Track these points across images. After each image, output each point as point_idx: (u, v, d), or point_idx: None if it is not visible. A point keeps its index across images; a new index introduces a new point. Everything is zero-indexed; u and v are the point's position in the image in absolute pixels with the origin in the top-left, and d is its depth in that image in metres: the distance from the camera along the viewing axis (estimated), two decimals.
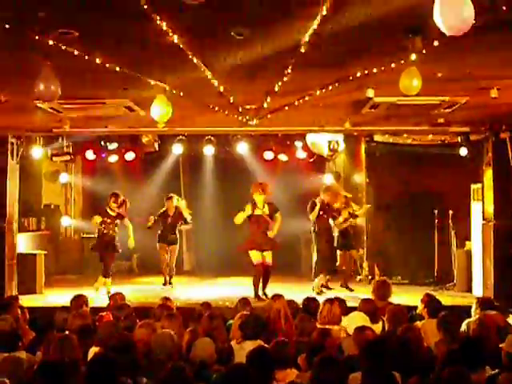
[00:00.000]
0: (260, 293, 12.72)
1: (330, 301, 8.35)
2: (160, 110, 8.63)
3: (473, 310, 8.62)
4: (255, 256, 12.84)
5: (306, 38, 6.43)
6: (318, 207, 13.35)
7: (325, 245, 13.51)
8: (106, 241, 13.64)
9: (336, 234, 13.89)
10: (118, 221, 13.74)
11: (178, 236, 14.94)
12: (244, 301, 9.01)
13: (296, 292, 11.91)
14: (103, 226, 13.63)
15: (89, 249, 17.14)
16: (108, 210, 13.65)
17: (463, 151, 13.49)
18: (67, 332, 7.37)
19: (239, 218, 12.88)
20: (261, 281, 12.87)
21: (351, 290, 13.55)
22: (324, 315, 8.03)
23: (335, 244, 13.85)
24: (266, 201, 12.96)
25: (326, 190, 13.78)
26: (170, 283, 14.79)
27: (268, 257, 12.91)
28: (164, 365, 5.55)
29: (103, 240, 13.67)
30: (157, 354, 6.42)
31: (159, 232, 14.77)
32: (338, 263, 13.95)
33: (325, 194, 13.57)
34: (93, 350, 6.83)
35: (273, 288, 12.69)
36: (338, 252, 14.00)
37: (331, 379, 5.18)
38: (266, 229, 12.95)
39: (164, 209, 14.80)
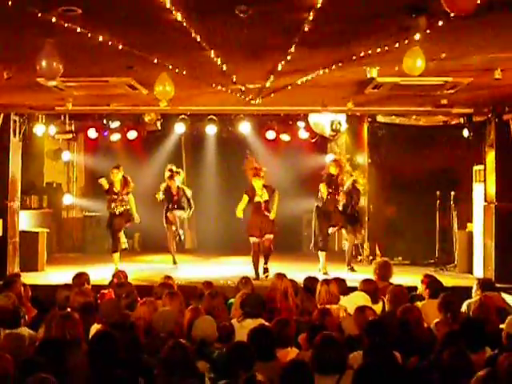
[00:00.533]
0: (260, 270, 12.82)
1: (326, 281, 8.38)
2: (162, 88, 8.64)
3: (473, 291, 8.65)
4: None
5: (310, 16, 6.40)
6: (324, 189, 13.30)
7: (316, 221, 13.50)
8: (120, 218, 13.59)
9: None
10: (125, 197, 13.64)
11: (184, 206, 14.76)
12: (245, 279, 9.03)
13: (297, 272, 11.94)
14: (113, 205, 13.54)
15: (91, 227, 17.31)
16: (114, 189, 13.52)
17: (466, 132, 13.48)
18: (69, 309, 7.42)
19: (239, 211, 12.99)
20: (261, 257, 12.99)
21: (354, 271, 13.53)
22: (323, 296, 8.05)
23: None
24: (263, 184, 13.00)
25: (334, 161, 13.71)
26: (180, 239, 14.76)
27: (268, 236, 12.93)
28: (165, 342, 5.57)
29: (117, 218, 13.59)
30: (158, 332, 6.47)
31: (165, 207, 14.66)
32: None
33: (332, 164, 13.47)
34: (94, 327, 6.88)
35: (274, 268, 12.75)
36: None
37: (332, 358, 5.20)
38: (267, 213, 12.96)
39: (164, 185, 14.67)
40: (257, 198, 12.92)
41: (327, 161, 16.61)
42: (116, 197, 13.52)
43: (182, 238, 14.88)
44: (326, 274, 12.67)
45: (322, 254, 13.25)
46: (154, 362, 5.56)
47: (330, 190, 13.31)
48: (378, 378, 4.65)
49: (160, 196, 14.43)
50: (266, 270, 12.89)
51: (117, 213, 13.54)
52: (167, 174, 14.48)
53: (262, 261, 13.01)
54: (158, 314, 6.78)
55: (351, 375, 4.81)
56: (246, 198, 12.97)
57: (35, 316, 8.01)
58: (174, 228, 14.56)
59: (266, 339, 5.80)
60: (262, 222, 12.86)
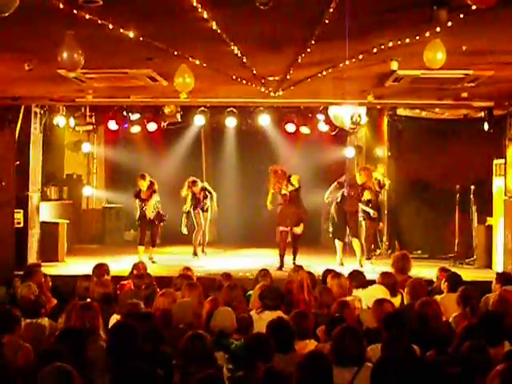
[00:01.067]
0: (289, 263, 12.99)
1: (337, 275, 8.40)
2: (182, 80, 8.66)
3: (493, 285, 8.61)
4: None
5: (331, 8, 6.38)
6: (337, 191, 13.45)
7: (334, 214, 13.58)
8: (149, 219, 14.09)
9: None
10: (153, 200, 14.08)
11: (208, 204, 14.97)
12: (264, 272, 9.05)
13: (315, 265, 11.96)
14: (142, 207, 14.04)
15: (110, 218, 17.42)
16: (141, 195, 13.97)
17: (486, 126, 13.38)
18: (89, 300, 7.47)
19: (269, 205, 13.51)
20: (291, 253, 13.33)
21: (369, 259, 13.49)
22: (334, 290, 8.05)
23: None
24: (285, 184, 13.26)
25: (363, 170, 13.70)
26: (203, 251, 15.04)
27: (297, 229, 13.35)
28: (184, 333, 5.60)
29: (146, 218, 14.09)
30: (177, 323, 6.50)
31: (191, 206, 14.87)
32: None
33: (361, 173, 13.47)
34: (114, 318, 6.92)
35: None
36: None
37: (350, 350, 5.20)
38: (295, 204, 13.28)
39: (190, 194, 14.78)
40: (283, 191, 13.22)
41: (348, 155, 16.66)
42: (142, 203, 14.04)
43: (207, 238, 15.20)
44: (342, 265, 12.72)
45: (338, 245, 13.28)
46: (173, 352, 5.59)
47: (352, 194, 13.33)
48: (396, 370, 4.65)
49: (188, 207, 14.75)
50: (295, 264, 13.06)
51: (147, 215, 14.05)
52: (187, 184, 14.80)
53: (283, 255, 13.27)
54: (177, 305, 6.81)
55: (369, 368, 4.81)
56: (270, 191, 13.39)
57: (55, 306, 8.07)
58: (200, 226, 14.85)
59: (284, 331, 5.81)
60: (291, 214, 13.26)
